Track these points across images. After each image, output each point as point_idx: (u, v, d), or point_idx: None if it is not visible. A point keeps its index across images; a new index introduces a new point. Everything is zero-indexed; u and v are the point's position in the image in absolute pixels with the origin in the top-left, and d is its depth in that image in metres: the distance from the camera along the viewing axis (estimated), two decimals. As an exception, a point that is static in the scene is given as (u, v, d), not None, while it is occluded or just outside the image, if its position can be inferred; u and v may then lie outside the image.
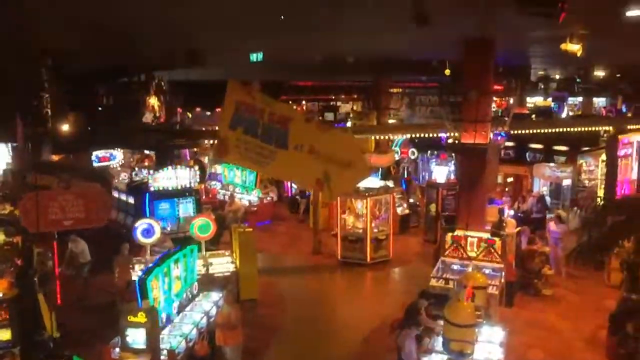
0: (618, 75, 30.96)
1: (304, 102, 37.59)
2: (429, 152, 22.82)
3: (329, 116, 31.59)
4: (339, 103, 38.19)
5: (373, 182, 16.90)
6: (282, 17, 8.82)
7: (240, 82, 7.79)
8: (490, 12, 8.11)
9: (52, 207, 8.92)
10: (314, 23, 10.10)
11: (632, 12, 8.92)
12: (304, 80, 35.55)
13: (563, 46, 11.19)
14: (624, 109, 33.09)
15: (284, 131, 7.43)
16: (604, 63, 24.12)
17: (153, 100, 20.34)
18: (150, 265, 9.33)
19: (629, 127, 18.17)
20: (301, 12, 9.07)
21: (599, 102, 38.93)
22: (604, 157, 17.96)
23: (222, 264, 12.45)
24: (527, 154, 19.81)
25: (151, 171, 15.98)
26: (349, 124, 26.15)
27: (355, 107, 35.98)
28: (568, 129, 19.62)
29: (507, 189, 19.75)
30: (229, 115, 7.61)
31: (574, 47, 11.05)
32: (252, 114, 7.53)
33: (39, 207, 8.28)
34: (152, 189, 15.39)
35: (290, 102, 36.37)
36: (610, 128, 18.35)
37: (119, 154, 18.15)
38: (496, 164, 12.52)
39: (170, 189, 15.68)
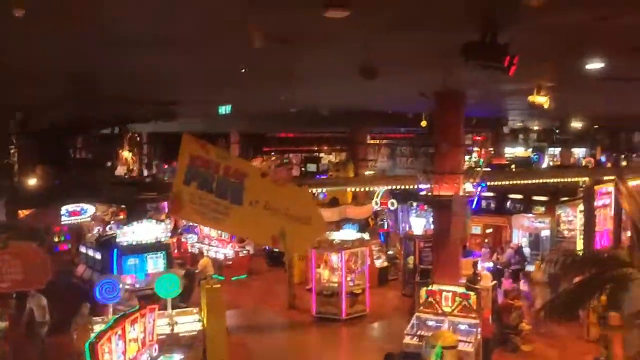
0: (596, 127, 31.48)
1: (291, 154, 37.65)
2: (408, 202, 22.59)
3: (312, 167, 31.55)
4: (322, 154, 38.32)
5: (349, 234, 16.64)
6: (243, 69, 8.78)
7: (195, 136, 7.67)
8: (448, 65, 8.10)
9: (-14, 268, 8.48)
10: (275, 75, 10.08)
11: (591, 66, 8.97)
12: (285, 131, 35.71)
13: (530, 98, 11.30)
14: (602, 159, 33.47)
15: (240, 186, 7.25)
16: (580, 115, 24.47)
17: (126, 154, 20.07)
18: (103, 327, 8.87)
19: (604, 177, 18.20)
20: (264, 64, 9.01)
21: (580, 152, 39.36)
22: (581, 207, 17.90)
23: (189, 323, 11.89)
24: (508, 204, 19.65)
25: (120, 225, 15.53)
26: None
27: (335, 159, 36.03)
28: (547, 180, 19.58)
29: (486, 240, 19.49)
30: (183, 169, 7.43)
31: (541, 100, 11.15)
32: (207, 169, 7.36)
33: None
34: (121, 243, 14.91)
35: (272, 153, 36.44)
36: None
37: (90, 208, 17.74)
38: (463, 216, 12.35)
39: (140, 243, 15.18)
